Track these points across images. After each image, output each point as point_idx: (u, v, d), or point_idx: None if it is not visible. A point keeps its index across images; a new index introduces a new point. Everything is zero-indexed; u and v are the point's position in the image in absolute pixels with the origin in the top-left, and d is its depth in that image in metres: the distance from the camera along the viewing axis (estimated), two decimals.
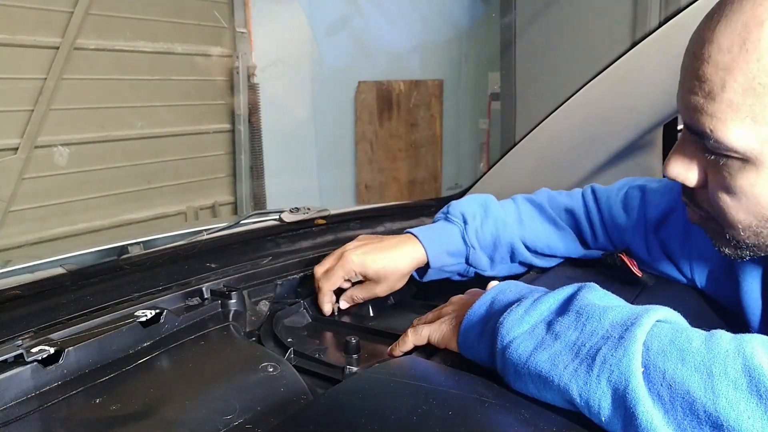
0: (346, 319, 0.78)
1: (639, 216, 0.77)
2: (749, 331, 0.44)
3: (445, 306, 0.63)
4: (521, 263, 0.84)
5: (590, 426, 0.44)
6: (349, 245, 0.79)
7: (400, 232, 0.83)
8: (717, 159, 0.49)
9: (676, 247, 0.73)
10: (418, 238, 0.79)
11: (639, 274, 0.75)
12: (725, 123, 0.47)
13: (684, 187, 0.55)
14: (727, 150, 0.48)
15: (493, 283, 0.60)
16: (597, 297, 0.49)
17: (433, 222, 0.86)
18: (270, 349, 0.67)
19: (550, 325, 0.48)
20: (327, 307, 0.78)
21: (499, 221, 0.81)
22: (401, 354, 0.62)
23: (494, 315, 0.53)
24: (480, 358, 0.54)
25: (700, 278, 0.72)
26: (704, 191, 0.53)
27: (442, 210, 0.86)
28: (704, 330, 0.44)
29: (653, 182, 0.80)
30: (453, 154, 3.69)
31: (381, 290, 0.77)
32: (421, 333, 0.60)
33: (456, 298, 0.64)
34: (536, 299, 0.51)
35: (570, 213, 0.83)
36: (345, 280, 0.77)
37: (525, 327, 0.49)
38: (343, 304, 0.79)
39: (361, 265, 0.76)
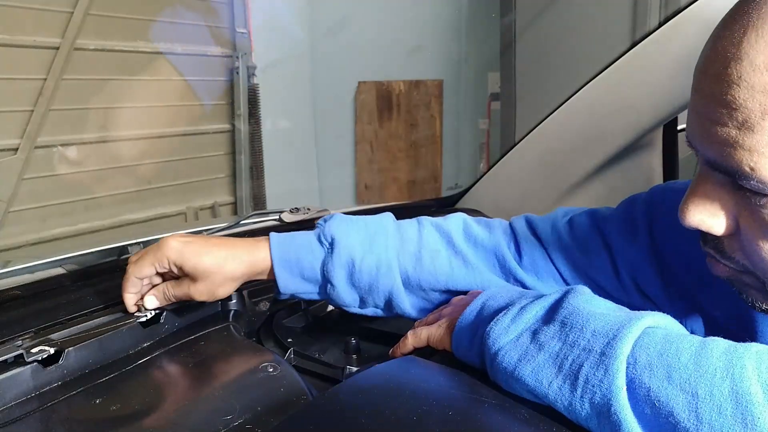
0: (346, 319, 0.78)
1: (603, 245, 0.65)
2: None
3: (446, 307, 0.63)
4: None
5: None
6: (177, 233, 0.66)
7: None
8: (755, 201, 0.40)
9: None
10: (269, 248, 0.65)
11: None
12: None
13: (707, 237, 0.46)
14: None
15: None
16: (583, 301, 0.47)
17: (314, 228, 0.68)
18: (270, 349, 0.67)
19: (534, 334, 0.47)
20: (128, 298, 0.64)
21: (382, 261, 0.65)
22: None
23: (483, 322, 0.53)
24: (473, 363, 0.53)
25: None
26: (734, 239, 0.44)
27: (323, 218, 0.69)
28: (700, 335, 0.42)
29: (597, 209, 0.68)
30: (453, 154, 3.69)
31: (198, 291, 0.63)
32: (420, 335, 0.60)
33: (456, 300, 0.64)
34: (523, 306, 0.50)
35: (485, 245, 0.68)
36: (158, 273, 0.64)
37: (510, 336, 0.48)
38: (150, 302, 0.65)
39: (179, 253, 0.62)
